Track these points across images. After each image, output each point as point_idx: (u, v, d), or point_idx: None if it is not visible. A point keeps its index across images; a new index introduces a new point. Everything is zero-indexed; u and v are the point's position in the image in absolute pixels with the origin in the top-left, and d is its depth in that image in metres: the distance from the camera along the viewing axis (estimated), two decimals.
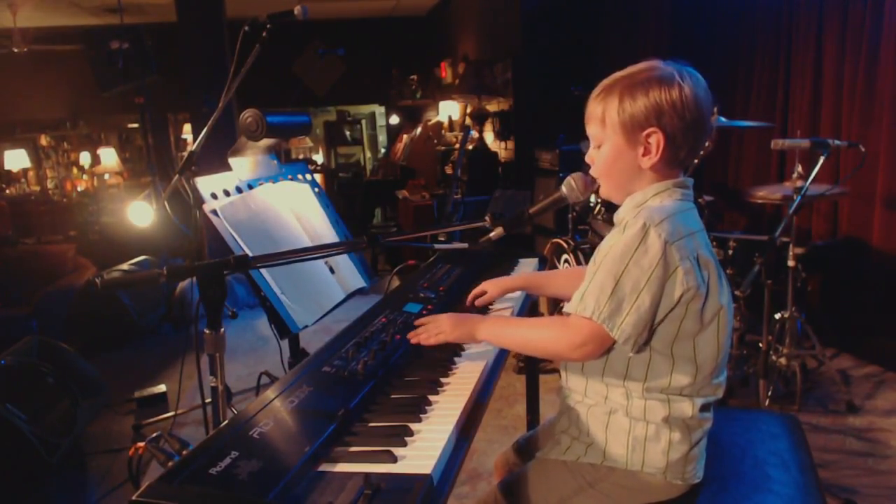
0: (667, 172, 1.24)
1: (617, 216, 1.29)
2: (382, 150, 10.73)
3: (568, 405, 1.37)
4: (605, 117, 1.22)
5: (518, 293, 1.81)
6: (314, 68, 9.08)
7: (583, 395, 1.32)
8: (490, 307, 1.76)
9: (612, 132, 1.22)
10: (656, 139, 1.19)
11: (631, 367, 1.24)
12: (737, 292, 2.52)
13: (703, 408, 1.26)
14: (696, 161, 1.71)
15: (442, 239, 2.39)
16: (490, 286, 1.71)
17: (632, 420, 1.25)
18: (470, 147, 6.25)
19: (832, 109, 3.59)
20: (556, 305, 3.56)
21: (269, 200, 1.99)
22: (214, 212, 1.77)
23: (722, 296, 1.22)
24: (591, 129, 1.26)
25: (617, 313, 1.15)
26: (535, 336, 1.32)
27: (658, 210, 1.19)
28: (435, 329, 1.39)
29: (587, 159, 1.31)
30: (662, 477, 1.25)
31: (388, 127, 10.09)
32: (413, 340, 1.41)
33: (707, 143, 2.88)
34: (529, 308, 1.89)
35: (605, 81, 1.24)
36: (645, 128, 1.19)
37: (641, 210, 1.21)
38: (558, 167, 4.73)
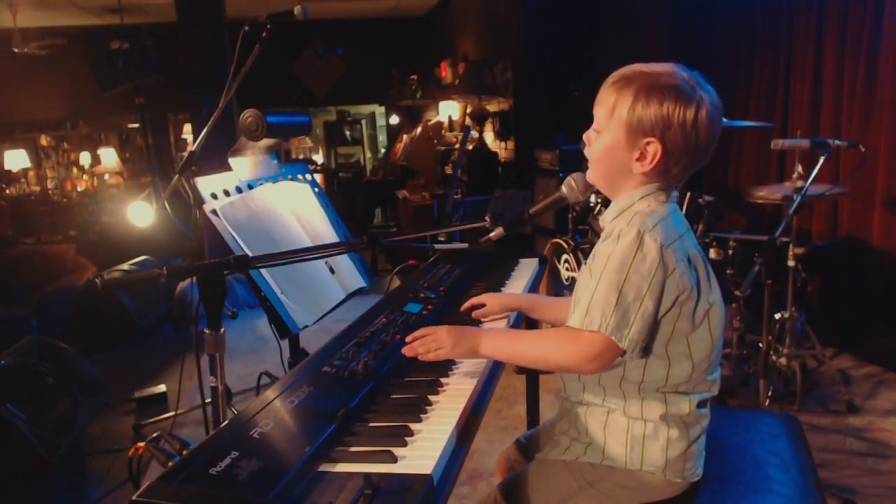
0: (654, 181, 1.23)
1: (604, 219, 1.29)
2: (382, 150, 10.74)
3: (566, 407, 1.37)
4: (615, 109, 1.19)
5: None
6: (314, 68, 9.08)
7: (580, 397, 1.32)
8: (483, 319, 1.69)
9: (617, 126, 1.20)
10: (654, 149, 1.17)
11: (628, 371, 1.25)
12: (737, 292, 2.52)
13: (700, 404, 1.26)
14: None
15: (442, 239, 2.39)
16: (491, 300, 1.66)
17: (629, 419, 1.26)
18: (470, 147, 6.25)
19: (832, 109, 3.59)
20: None
21: (269, 200, 1.99)
22: (214, 212, 1.77)
23: (711, 293, 1.23)
24: (598, 113, 1.24)
25: (623, 323, 1.15)
26: (545, 351, 1.27)
27: (649, 215, 1.19)
28: (434, 344, 1.30)
29: (584, 137, 1.28)
30: (662, 475, 1.25)
31: (388, 127, 10.09)
32: (408, 353, 1.32)
33: None
34: (526, 318, 1.84)
35: (625, 71, 1.21)
36: (648, 135, 1.17)
37: (633, 217, 1.21)
38: (558, 167, 4.72)
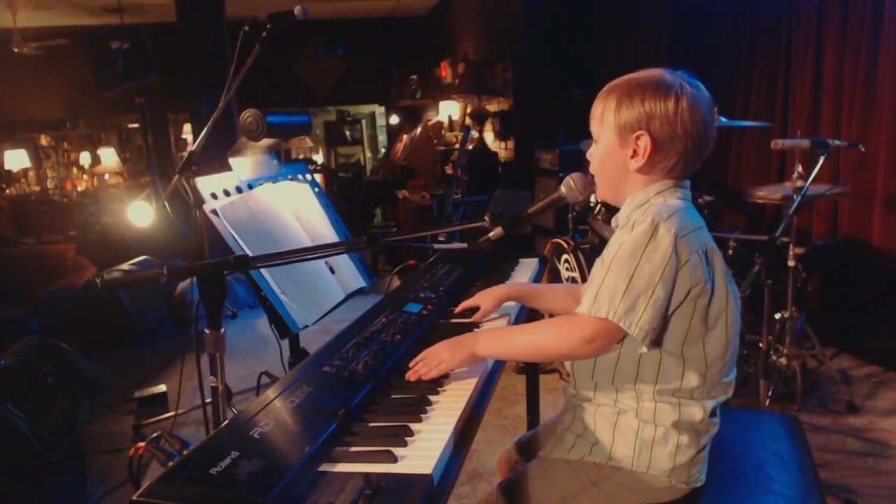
0: (656, 178, 1.26)
1: (618, 217, 1.30)
2: (382, 150, 10.74)
3: (575, 404, 1.36)
4: (603, 116, 1.26)
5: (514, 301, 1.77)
6: (314, 68, 9.09)
7: (592, 396, 1.32)
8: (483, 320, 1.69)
9: (608, 131, 1.26)
10: (644, 142, 1.21)
11: (642, 369, 1.24)
12: None
13: (712, 412, 1.26)
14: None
15: (442, 239, 2.40)
16: (484, 299, 1.66)
17: (641, 422, 1.25)
18: (470, 147, 6.25)
19: (832, 109, 3.59)
20: None
21: (269, 200, 1.99)
22: (214, 212, 1.77)
23: (729, 290, 1.24)
24: (593, 126, 1.30)
25: (632, 310, 1.15)
26: (540, 339, 1.29)
27: (665, 206, 1.20)
28: (434, 361, 1.33)
29: (588, 156, 1.34)
30: (667, 480, 1.25)
31: (388, 127, 10.09)
32: (412, 378, 1.33)
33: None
34: (527, 316, 1.84)
35: (612, 82, 1.27)
36: (636, 130, 1.22)
37: (648, 207, 1.22)
38: (558, 167, 4.72)
